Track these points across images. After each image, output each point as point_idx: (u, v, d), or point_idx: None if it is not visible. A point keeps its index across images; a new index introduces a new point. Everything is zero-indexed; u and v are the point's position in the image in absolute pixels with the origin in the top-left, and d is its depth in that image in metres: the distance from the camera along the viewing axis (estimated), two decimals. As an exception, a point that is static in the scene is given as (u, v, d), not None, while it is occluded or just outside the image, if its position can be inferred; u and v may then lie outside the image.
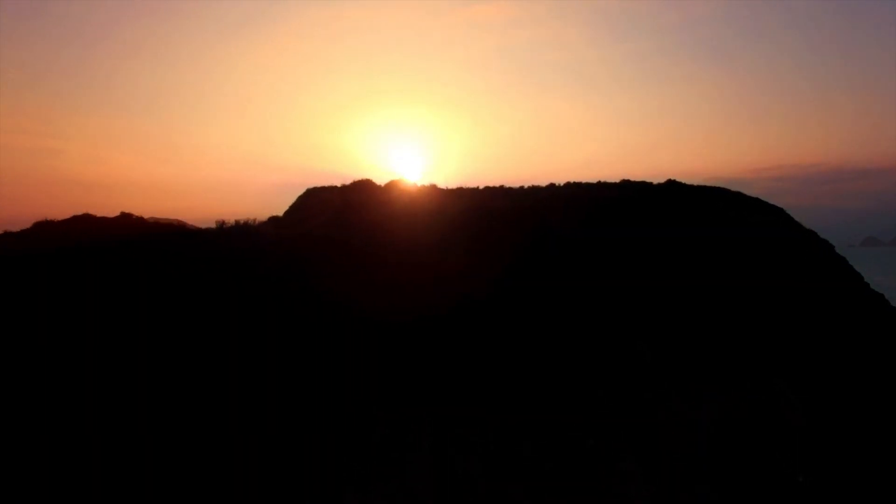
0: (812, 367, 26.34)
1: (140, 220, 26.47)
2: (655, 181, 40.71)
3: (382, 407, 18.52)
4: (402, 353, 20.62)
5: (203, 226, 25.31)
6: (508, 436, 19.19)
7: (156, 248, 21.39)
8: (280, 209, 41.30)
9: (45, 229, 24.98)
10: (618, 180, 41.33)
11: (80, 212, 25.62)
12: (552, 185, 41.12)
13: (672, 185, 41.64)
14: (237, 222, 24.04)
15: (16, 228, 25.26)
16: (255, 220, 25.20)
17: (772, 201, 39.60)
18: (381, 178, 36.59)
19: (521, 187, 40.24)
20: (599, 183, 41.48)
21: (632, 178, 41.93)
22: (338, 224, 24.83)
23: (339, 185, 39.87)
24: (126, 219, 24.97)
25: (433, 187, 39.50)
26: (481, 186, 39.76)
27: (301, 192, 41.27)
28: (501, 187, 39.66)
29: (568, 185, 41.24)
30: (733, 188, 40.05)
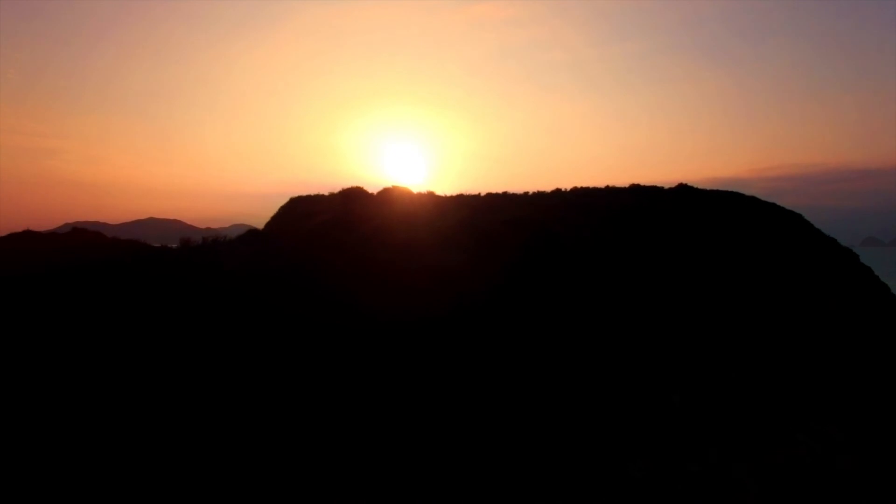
0: (855, 401, 23.39)
1: (97, 236, 23.21)
2: (666, 185, 38.72)
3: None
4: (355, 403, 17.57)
5: (203, 226, 22.35)
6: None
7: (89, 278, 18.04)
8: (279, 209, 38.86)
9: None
10: (626, 185, 38.73)
11: (80, 212, 22.94)
12: (558, 191, 38.28)
13: (684, 190, 39.00)
14: (204, 240, 20.92)
15: (16, 229, 22.60)
16: (225, 237, 22.06)
17: (772, 201, 38.06)
18: (379, 183, 33.87)
19: (526, 193, 37.27)
20: (608, 188, 38.68)
21: (631, 179, 39.65)
22: (321, 245, 21.66)
23: (326, 193, 36.87)
24: (78, 236, 21.68)
25: (431, 195, 36.40)
26: (483, 193, 36.81)
27: (295, 194, 38.76)
28: (504, 194, 36.65)
29: (575, 190, 38.40)
30: (733, 188, 38.26)
